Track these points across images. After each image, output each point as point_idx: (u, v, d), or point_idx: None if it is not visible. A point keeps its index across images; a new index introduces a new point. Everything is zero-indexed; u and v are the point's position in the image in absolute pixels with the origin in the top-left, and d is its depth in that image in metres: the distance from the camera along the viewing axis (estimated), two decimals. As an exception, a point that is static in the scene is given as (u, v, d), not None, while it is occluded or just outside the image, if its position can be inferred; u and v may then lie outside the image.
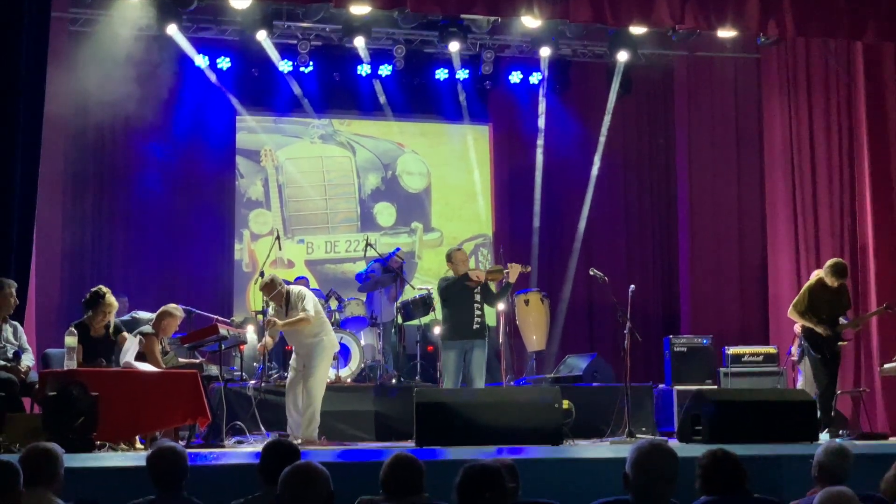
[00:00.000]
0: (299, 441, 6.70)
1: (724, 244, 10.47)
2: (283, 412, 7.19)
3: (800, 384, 8.04)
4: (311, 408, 6.95)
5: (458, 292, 7.32)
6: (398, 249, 9.46)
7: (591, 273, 7.95)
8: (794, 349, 8.41)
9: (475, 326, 7.29)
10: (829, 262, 7.41)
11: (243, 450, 6.50)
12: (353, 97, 10.65)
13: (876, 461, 4.69)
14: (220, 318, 7.81)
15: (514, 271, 7.49)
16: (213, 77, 9.97)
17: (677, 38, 9.81)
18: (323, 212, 10.88)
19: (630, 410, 7.35)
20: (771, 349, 8.83)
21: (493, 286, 7.58)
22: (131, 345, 6.61)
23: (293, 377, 7.10)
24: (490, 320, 9.69)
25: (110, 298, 6.57)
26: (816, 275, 7.77)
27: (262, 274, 8.16)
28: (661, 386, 8.71)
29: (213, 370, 7.07)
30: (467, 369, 7.27)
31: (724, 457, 3.41)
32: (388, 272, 8.92)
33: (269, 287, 7.11)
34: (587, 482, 4.80)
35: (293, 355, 7.20)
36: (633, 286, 7.67)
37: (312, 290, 8.04)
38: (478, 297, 7.36)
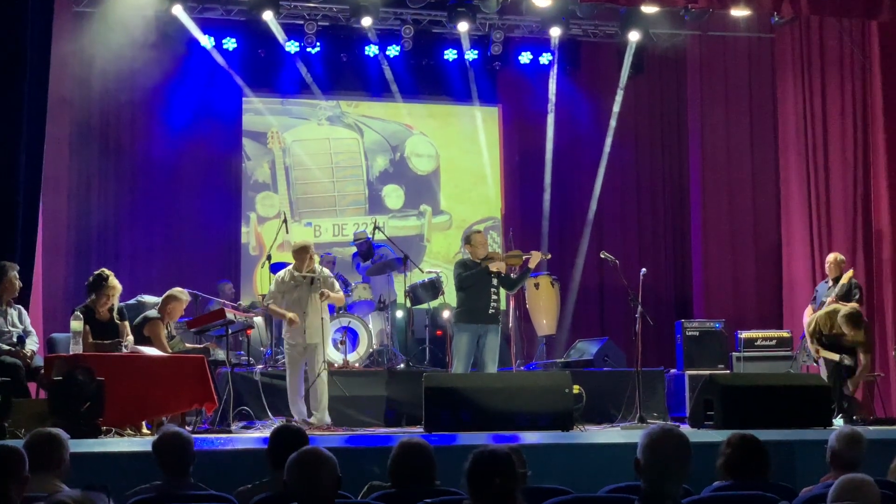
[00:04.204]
0: (312, 422, 6.71)
1: (737, 227, 10.35)
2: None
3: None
4: (325, 392, 6.93)
5: (477, 274, 7.23)
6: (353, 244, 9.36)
7: (602, 256, 7.86)
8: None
9: (490, 311, 7.19)
10: (843, 313, 7.19)
11: (250, 435, 6.47)
12: (360, 78, 10.55)
13: (890, 446, 4.63)
14: (226, 301, 7.76)
15: (535, 258, 7.36)
16: (218, 58, 9.88)
17: (690, 18, 9.68)
18: (330, 194, 10.81)
19: (641, 395, 7.28)
20: (784, 333, 8.73)
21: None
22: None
23: (299, 369, 6.99)
24: (500, 304, 9.62)
25: (113, 281, 6.52)
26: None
27: (269, 257, 8.13)
28: (673, 371, 8.63)
29: (220, 355, 7.03)
30: (480, 354, 7.18)
31: (754, 444, 3.45)
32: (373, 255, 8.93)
33: (305, 250, 7.04)
34: (598, 468, 4.78)
35: (291, 346, 6.99)
36: (644, 269, 7.60)
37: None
38: (494, 282, 7.26)
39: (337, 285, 7.24)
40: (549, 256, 7.89)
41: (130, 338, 6.54)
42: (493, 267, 7.15)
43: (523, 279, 7.65)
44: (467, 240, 7.47)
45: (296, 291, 7.02)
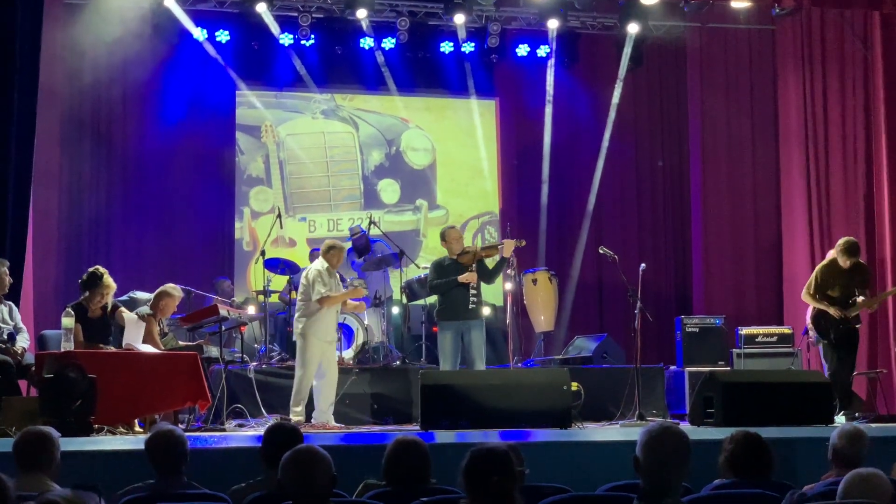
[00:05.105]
0: (321, 424, 6.72)
1: (737, 221, 10.29)
2: (283, 395, 7.06)
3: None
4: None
5: (451, 273, 7.19)
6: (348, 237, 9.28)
7: (601, 251, 7.80)
8: (810, 330, 8.25)
9: (471, 306, 7.15)
10: (840, 242, 7.19)
11: (244, 433, 6.43)
12: (355, 71, 10.45)
13: (892, 444, 4.60)
14: (220, 298, 7.68)
15: (508, 247, 7.37)
16: (211, 51, 9.79)
17: (689, 9, 9.61)
18: (325, 189, 10.72)
19: (640, 393, 7.24)
20: (785, 329, 8.67)
21: (490, 263, 7.41)
22: (133, 326, 6.47)
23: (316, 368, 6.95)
24: (497, 300, 9.52)
25: (108, 279, 6.47)
26: (830, 255, 7.60)
27: (262, 253, 8.04)
28: (673, 367, 8.58)
29: (214, 352, 6.95)
30: (466, 351, 7.15)
31: (758, 442, 3.44)
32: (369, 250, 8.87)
33: (341, 250, 7.08)
34: (596, 466, 4.78)
35: (319, 342, 6.90)
36: (643, 265, 7.53)
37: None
38: None
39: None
40: (524, 244, 7.84)
41: (132, 315, 6.44)
42: (463, 279, 7.12)
43: (499, 270, 7.59)
44: (442, 236, 7.44)
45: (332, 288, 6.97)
